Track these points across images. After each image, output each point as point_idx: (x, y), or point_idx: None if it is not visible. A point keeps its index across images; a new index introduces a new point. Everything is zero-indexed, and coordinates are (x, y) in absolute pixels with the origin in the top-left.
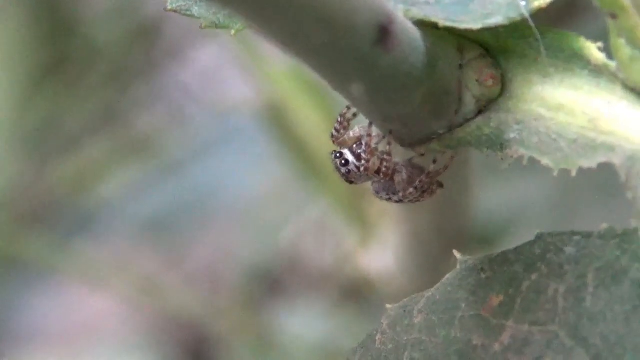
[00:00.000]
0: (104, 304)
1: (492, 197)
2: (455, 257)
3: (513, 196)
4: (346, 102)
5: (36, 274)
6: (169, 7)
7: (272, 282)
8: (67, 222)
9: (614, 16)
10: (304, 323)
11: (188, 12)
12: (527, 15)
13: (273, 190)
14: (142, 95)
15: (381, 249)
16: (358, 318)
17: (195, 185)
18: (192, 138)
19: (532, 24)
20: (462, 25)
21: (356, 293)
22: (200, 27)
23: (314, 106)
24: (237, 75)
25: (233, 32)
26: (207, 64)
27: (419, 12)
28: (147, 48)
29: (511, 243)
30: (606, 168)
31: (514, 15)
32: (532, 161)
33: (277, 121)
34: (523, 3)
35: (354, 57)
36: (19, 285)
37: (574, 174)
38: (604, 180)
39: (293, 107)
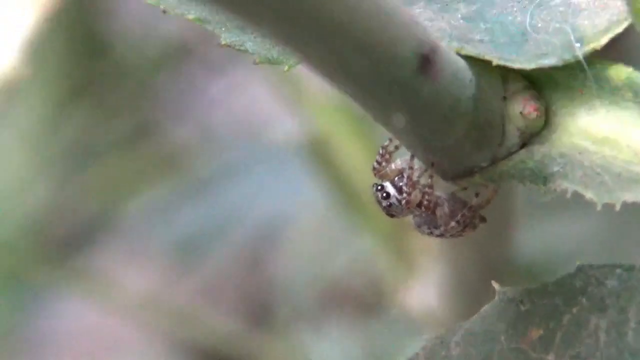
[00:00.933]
0: (126, 329)
1: (536, 231)
2: (494, 290)
3: (557, 231)
4: (388, 135)
5: (58, 295)
6: (223, 42)
7: (305, 311)
8: (95, 242)
9: None
10: (333, 350)
11: (242, 48)
12: (581, 57)
13: (311, 219)
14: (174, 113)
15: (423, 285)
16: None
17: (226, 206)
18: (223, 158)
19: (585, 66)
20: (516, 65)
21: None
22: (254, 63)
23: (355, 138)
24: (271, 96)
25: (286, 68)
26: (240, 82)
27: (473, 50)
28: (180, 66)
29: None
30: None
31: (568, 57)
32: (578, 196)
33: (319, 153)
34: (578, 45)
35: (395, 86)
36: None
37: (617, 208)
38: None
39: (335, 139)
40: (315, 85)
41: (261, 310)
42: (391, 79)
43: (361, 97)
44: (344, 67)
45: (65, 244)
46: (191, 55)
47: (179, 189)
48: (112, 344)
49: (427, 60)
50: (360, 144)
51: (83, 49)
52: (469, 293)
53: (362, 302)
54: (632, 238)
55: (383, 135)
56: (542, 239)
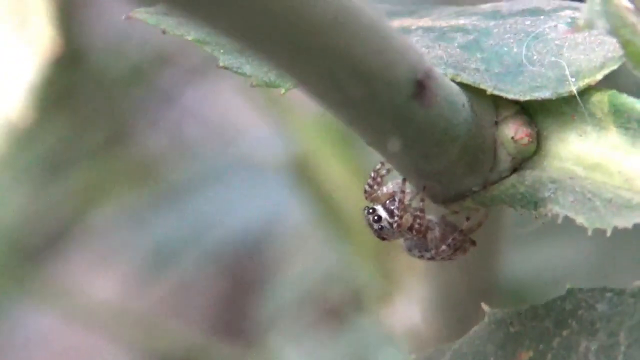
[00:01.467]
0: (92, 338)
1: (523, 255)
2: (482, 311)
3: (544, 255)
4: (374, 155)
5: (24, 304)
6: (221, 64)
7: (280, 322)
8: (65, 251)
9: None
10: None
11: (240, 70)
12: (575, 93)
13: (288, 231)
14: (148, 122)
15: (407, 302)
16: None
17: (199, 215)
18: (196, 167)
19: (579, 100)
20: (510, 96)
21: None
22: (251, 86)
23: (337, 156)
24: (247, 106)
25: (283, 91)
26: (214, 92)
27: (468, 78)
28: (154, 75)
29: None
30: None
31: (562, 92)
32: (567, 222)
33: (298, 165)
34: (573, 79)
35: (389, 111)
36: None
37: (609, 233)
38: None
39: (313, 150)
40: (293, 97)
41: (233, 319)
42: (386, 104)
43: (355, 121)
44: (339, 91)
45: (35, 253)
46: (166, 65)
47: (151, 198)
48: (79, 353)
49: (421, 86)
50: (340, 156)
51: (58, 60)
52: (453, 313)
53: (341, 316)
54: (618, 263)
55: (363, 147)
56: (529, 262)
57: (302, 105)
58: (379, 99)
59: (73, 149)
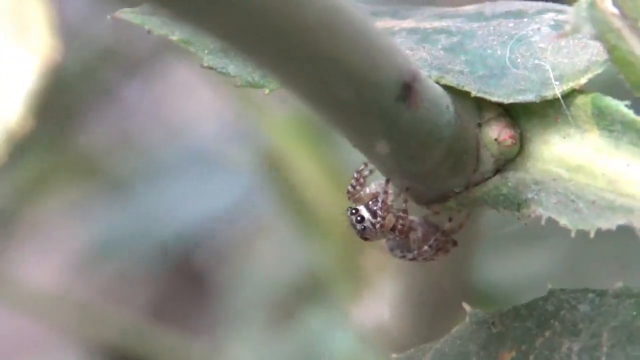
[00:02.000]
0: (33, 328)
1: (497, 257)
2: (455, 313)
3: (519, 260)
4: (343, 151)
5: None
6: (205, 64)
7: (233, 315)
8: (7, 242)
9: None
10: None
11: (224, 71)
12: (559, 96)
13: (246, 224)
14: (96, 116)
15: (376, 302)
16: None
17: (147, 209)
18: (147, 161)
19: (563, 104)
20: (494, 98)
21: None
22: (235, 86)
23: (304, 151)
24: (198, 100)
25: (267, 91)
26: (164, 86)
27: (452, 80)
28: (102, 69)
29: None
30: (621, 240)
31: (546, 95)
32: (541, 227)
33: (267, 165)
34: (557, 82)
35: (376, 113)
36: None
37: (592, 235)
38: (619, 252)
39: (284, 151)
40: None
41: (178, 312)
42: (372, 106)
43: (341, 123)
44: (327, 93)
45: None
46: (114, 59)
47: (96, 191)
48: (20, 340)
49: (408, 88)
50: (307, 152)
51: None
52: (423, 311)
53: (298, 310)
54: (592, 264)
55: (333, 144)
56: (502, 264)
57: (265, 100)
58: (366, 101)
59: (18, 141)
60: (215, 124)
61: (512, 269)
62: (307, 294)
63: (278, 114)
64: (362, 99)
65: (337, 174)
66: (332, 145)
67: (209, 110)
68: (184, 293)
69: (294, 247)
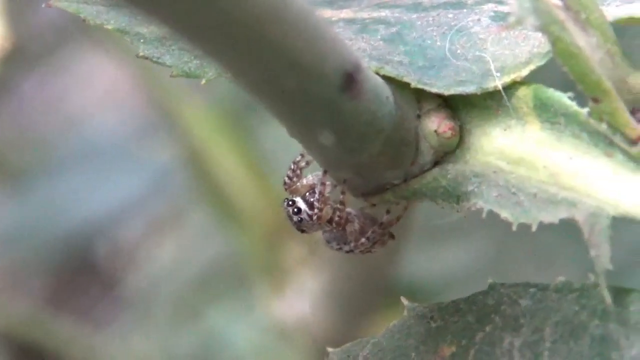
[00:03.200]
0: None
1: (421, 253)
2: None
3: (440, 253)
4: (262, 144)
5: None
6: (141, 54)
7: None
8: None
9: (596, 100)
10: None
11: (160, 60)
12: (500, 88)
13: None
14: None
15: (297, 295)
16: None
17: (44, 202)
18: (43, 155)
19: (505, 95)
20: (433, 90)
21: None
22: (171, 75)
23: (227, 145)
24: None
25: (203, 81)
26: (60, 80)
27: (392, 71)
28: (8, 61)
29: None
30: (539, 233)
31: (486, 86)
32: (463, 222)
33: (189, 158)
34: (498, 74)
35: (319, 103)
36: None
37: (534, 228)
38: (538, 245)
39: (206, 145)
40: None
41: (77, 303)
42: (316, 96)
43: (284, 112)
44: (272, 82)
45: None
46: (13, 52)
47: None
48: None
49: (350, 79)
50: (227, 143)
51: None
52: (344, 305)
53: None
54: (516, 263)
55: (250, 135)
56: (427, 258)
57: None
58: (309, 91)
59: None
60: (119, 115)
61: (436, 263)
62: (216, 288)
63: (196, 104)
64: (306, 89)
65: (257, 164)
66: (251, 135)
67: (112, 102)
68: (84, 285)
69: (210, 238)
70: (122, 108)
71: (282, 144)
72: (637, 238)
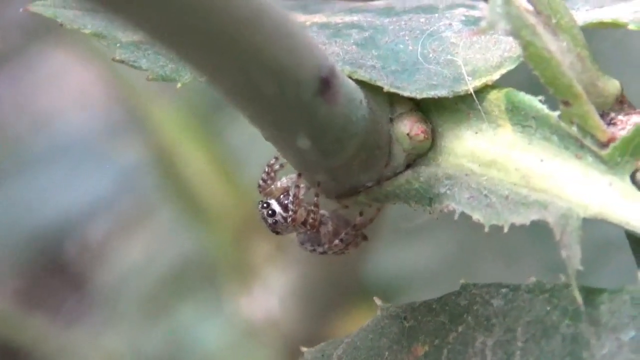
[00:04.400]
0: None
1: (388, 252)
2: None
3: (408, 254)
4: (230, 144)
5: None
6: (117, 58)
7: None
8: None
9: (567, 103)
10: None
11: (136, 64)
12: (472, 91)
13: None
14: None
15: (266, 293)
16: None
17: (17, 201)
18: (16, 153)
19: (475, 99)
20: (406, 93)
21: None
22: (147, 79)
23: (195, 144)
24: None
25: (179, 85)
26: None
27: (365, 75)
28: None
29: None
30: (508, 234)
31: (459, 90)
32: (427, 221)
33: (159, 159)
34: (469, 78)
35: (295, 107)
36: None
37: (506, 230)
38: (502, 242)
39: (174, 145)
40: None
41: (52, 302)
42: (292, 101)
43: (259, 116)
44: (249, 88)
45: None
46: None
47: None
48: None
49: (326, 84)
50: (195, 142)
51: None
52: (312, 304)
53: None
54: (481, 261)
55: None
56: (394, 257)
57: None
58: (286, 96)
59: None
60: (88, 115)
61: (403, 261)
62: (185, 286)
63: (165, 103)
64: (282, 93)
65: (225, 163)
66: (219, 134)
67: (81, 101)
68: (53, 284)
69: (178, 236)
70: (90, 107)
71: (249, 143)
72: (603, 235)
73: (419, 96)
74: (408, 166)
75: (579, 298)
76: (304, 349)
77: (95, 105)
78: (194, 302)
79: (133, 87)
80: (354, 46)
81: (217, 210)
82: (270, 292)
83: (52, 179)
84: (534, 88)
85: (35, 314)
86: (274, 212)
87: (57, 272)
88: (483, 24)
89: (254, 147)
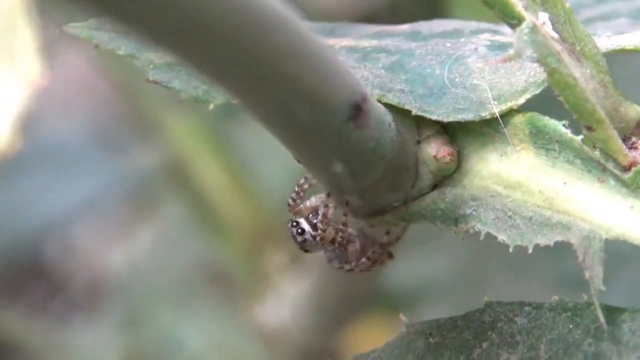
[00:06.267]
0: None
1: (400, 263)
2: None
3: (421, 264)
4: (239, 152)
5: None
6: (151, 79)
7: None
8: None
9: (590, 128)
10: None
11: (169, 85)
12: (498, 116)
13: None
14: None
15: (279, 303)
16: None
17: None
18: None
19: (501, 123)
20: (434, 117)
21: None
22: (181, 100)
23: (213, 159)
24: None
25: (211, 106)
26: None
27: (394, 99)
28: None
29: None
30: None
31: (484, 114)
32: (439, 233)
33: (176, 172)
34: (495, 102)
35: (330, 133)
36: None
37: (530, 250)
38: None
39: (189, 156)
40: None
41: (33, 306)
42: (327, 126)
43: (293, 140)
44: (285, 114)
45: None
46: None
47: None
48: None
49: (358, 109)
50: (211, 155)
51: None
52: (324, 314)
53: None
54: (492, 272)
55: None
56: (405, 267)
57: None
58: (321, 121)
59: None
60: (75, 118)
61: (415, 271)
62: (194, 293)
63: (175, 110)
64: (318, 120)
65: (237, 169)
66: (230, 140)
67: (68, 105)
68: (33, 286)
69: (188, 244)
70: (78, 111)
71: (260, 149)
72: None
73: (446, 119)
74: (434, 187)
75: (602, 317)
76: None
77: (85, 108)
78: (207, 310)
79: (143, 92)
80: (382, 70)
81: (231, 218)
82: (283, 302)
83: (37, 184)
84: (547, 107)
85: (19, 316)
86: (303, 230)
87: (38, 275)
88: (511, 51)
89: (265, 153)
